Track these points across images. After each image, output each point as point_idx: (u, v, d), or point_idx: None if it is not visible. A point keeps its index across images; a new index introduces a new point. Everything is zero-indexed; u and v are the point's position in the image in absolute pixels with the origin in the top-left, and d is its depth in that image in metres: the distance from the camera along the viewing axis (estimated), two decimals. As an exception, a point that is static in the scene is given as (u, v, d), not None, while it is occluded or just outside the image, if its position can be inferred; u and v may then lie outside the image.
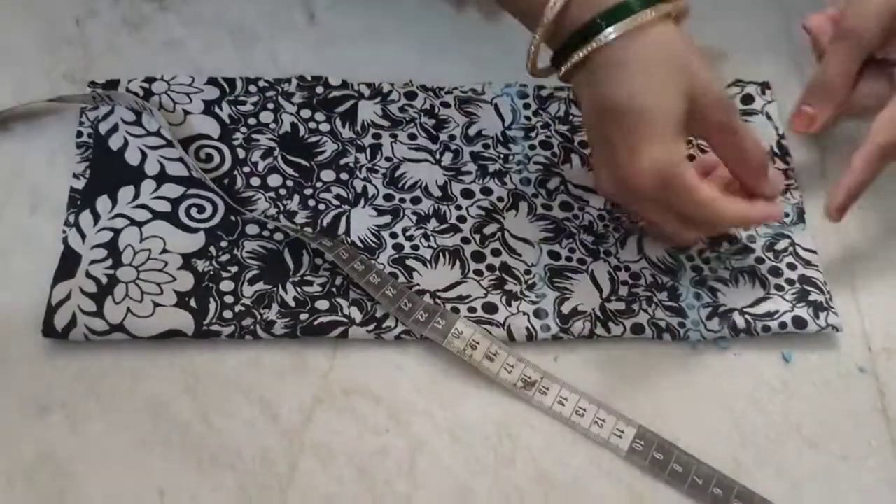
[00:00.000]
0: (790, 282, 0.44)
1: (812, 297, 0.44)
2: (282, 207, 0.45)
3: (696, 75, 0.39)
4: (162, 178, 0.45)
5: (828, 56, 0.45)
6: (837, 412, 0.42)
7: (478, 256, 0.44)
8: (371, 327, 0.42)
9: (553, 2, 0.39)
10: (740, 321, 0.43)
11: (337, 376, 0.42)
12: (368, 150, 0.47)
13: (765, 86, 0.51)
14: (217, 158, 0.46)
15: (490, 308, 0.43)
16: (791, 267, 0.45)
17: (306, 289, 0.43)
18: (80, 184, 0.45)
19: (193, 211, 0.44)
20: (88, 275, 0.42)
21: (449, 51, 0.53)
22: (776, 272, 0.45)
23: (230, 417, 0.41)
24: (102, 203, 0.44)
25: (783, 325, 0.43)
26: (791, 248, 0.46)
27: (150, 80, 0.48)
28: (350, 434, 0.41)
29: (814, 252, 0.46)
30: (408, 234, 0.45)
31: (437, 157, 0.47)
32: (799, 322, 0.43)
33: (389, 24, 0.53)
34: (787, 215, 0.46)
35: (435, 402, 0.42)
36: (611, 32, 0.38)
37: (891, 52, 0.45)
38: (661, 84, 0.38)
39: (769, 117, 0.49)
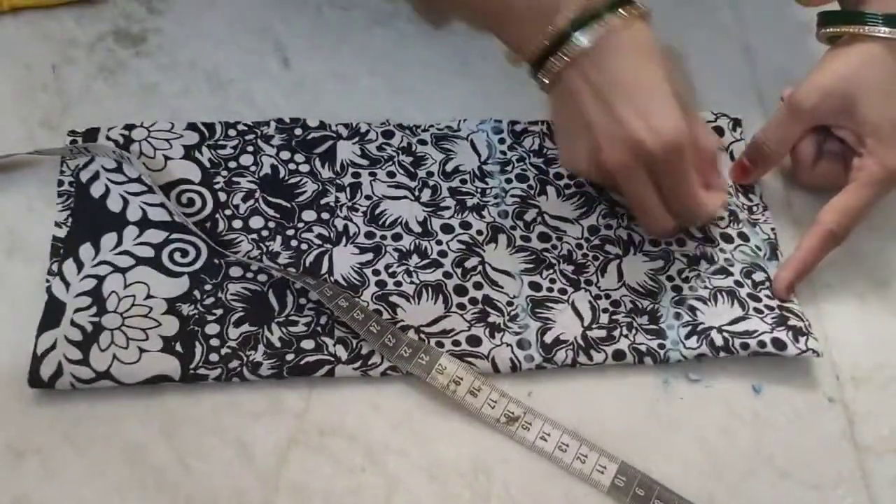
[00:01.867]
0: (769, 308, 0.45)
1: (791, 323, 0.45)
2: (265, 249, 0.45)
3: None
4: (144, 223, 0.45)
5: (770, 121, 0.48)
6: (808, 442, 0.43)
7: (460, 290, 0.45)
8: (357, 364, 0.42)
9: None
10: (718, 339, 0.44)
11: (312, 416, 0.42)
12: (348, 190, 0.48)
13: (737, 122, 0.52)
14: (199, 202, 0.46)
15: (474, 341, 0.43)
16: (769, 297, 0.46)
17: (291, 329, 0.43)
18: (62, 232, 0.45)
19: (177, 255, 0.45)
20: (73, 323, 0.42)
21: (420, 90, 0.54)
22: (755, 298, 0.46)
23: (206, 460, 0.41)
24: (85, 251, 0.44)
25: (762, 344, 0.43)
26: (767, 283, 0.46)
27: (129, 128, 0.48)
28: (326, 474, 0.41)
29: None
30: (390, 270, 0.45)
31: (416, 193, 0.48)
32: (779, 344, 0.44)
33: (360, 67, 0.54)
34: (759, 249, 0.47)
35: (410, 440, 0.42)
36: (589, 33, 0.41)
37: (846, 134, 0.47)
38: (658, 66, 0.42)
39: (733, 157, 0.51)
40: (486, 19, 0.45)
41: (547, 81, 0.43)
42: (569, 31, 0.41)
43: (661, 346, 0.44)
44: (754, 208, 0.49)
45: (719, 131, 0.51)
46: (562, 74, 0.42)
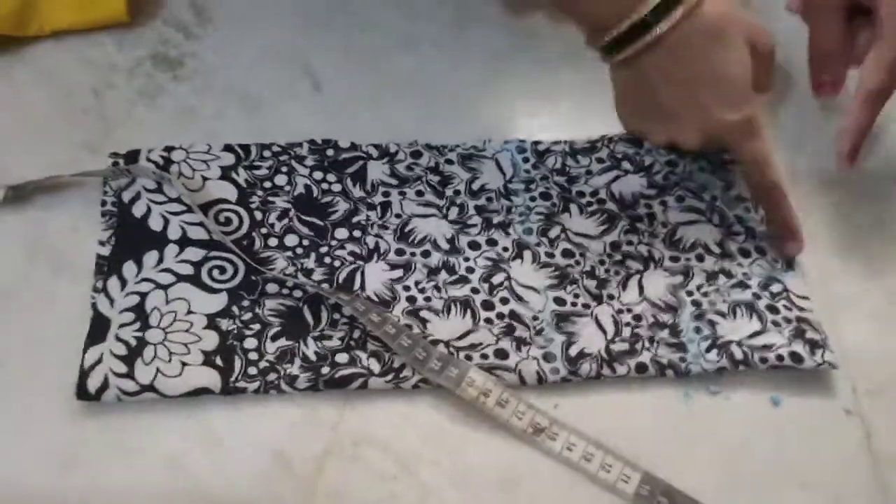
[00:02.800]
0: (787, 320, 0.46)
1: (808, 336, 0.45)
2: (299, 266, 0.47)
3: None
4: (184, 242, 0.47)
5: (811, 31, 0.50)
6: (826, 454, 0.43)
7: (487, 305, 0.46)
8: (389, 377, 0.43)
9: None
10: (738, 352, 0.45)
11: (346, 427, 0.43)
12: (379, 208, 0.49)
13: None
14: (236, 221, 0.48)
15: (501, 354, 0.45)
16: (787, 308, 0.47)
17: (326, 343, 0.44)
18: (105, 250, 0.47)
19: (215, 272, 0.46)
20: (118, 338, 0.44)
21: (446, 112, 0.55)
22: (773, 310, 0.47)
23: (244, 469, 0.42)
24: (128, 268, 0.46)
25: (780, 358, 0.44)
26: (784, 294, 0.47)
27: (169, 149, 0.50)
28: (360, 483, 0.42)
29: (807, 298, 0.47)
30: (420, 286, 0.47)
31: (444, 211, 0.49)
32: (796, 357, 0.44)
33: (388, 90, 0.56)
34: (776, 261, 0.48)
35: (441, 450, 0.43)
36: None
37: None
38: (732, 30, 0.44)
39: None
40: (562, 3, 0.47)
41: (619, 62, 0.45)
42: (649, 20, 0.43)
43: (683, 360, 0.45)
44: None
45: None
46: (638, 59, 0.44)
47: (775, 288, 0.47)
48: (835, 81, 0.50)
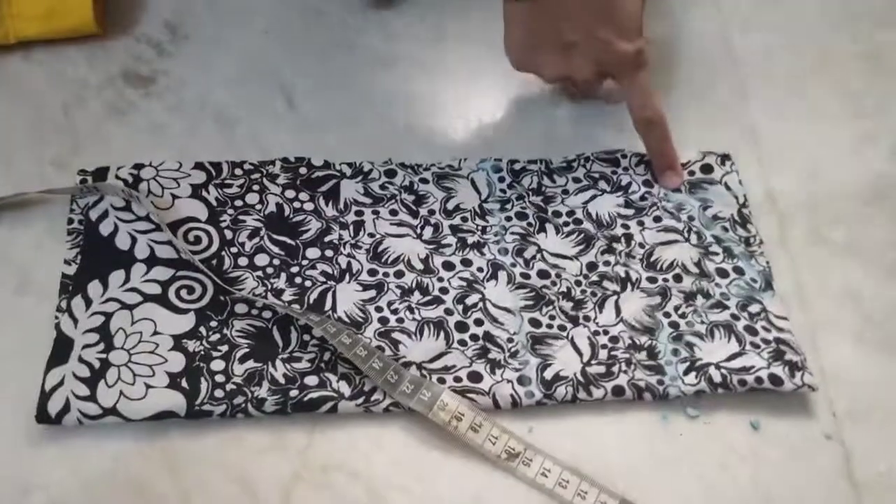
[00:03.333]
0: (766, 341, 0.46)
1: (787, 357, 0.45)
2: (269, 286, 0.46)
3: None
4: (152, 261, 0.46)
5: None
6: (806, 479, 0.43)
7: (461, 326, 0.46)
8: (360, 401, 0.43)
9: None
10: (716, 375, 0.44)
11: (315, 452, 0.43)
12: (352, 227, 0.49)
13: (725, 157, 0.53)
14: (205, 240, 0.47)
15: (475, 377, 0.44)
16: (766, 329, 0.46)
17: (295, 365, 0.44)
18: (71, 269, 0.46)
19: (183, 292, 0.45)
20: (81, 359, 0.43)
21: (421, 130, 0.55)
22: (751, 331, 0.46)
23: (210, 496, 0.41)
24: (94, 288, 0.45)
25: (759, 381, 0.44)
26: (763, 314, 0.47)
27: (138, 167, 0.49)
28: None
29: (785, 318, 0.47)
30: (392, 307, 0.46)
31: (418, 231, 0.49)
32: (775, 380, 0.44)
33: (364, 108, 0.55)
34: (754, 281, 0.48)
35: (412, 476, 0.42)
36: None
37: None
38: None
39: (728, 187, 0.51)
40: None
41: None
42: None
43: (661, 382, 0.44)
44: (751, 240, 0.49)
45: (707, 168, 0.52)
46: None
47: (754, 308, 0.47)
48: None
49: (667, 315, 0.47)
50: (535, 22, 0.48)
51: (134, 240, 0.47)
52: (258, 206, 0.49)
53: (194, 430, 0.43)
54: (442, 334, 0.45)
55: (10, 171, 0.50)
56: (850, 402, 0.45)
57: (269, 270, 0.47)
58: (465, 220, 0.49)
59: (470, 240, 0.49)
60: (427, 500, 0.41)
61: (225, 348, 0.44)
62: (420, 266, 0.48)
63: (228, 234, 0.48)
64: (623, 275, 0.48)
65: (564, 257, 0.48)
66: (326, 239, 0.48)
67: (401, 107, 0.56)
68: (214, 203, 0.49)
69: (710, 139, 0.54)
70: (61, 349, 0.43)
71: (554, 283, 0.47)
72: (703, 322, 0.46)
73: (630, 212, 0.50)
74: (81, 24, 0.55)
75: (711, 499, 0.42)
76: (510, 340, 0.45)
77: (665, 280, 0.48)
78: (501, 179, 0.51)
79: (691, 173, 0.52)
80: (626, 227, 0.50)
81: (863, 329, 0.48)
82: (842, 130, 0.55)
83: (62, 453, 0.42)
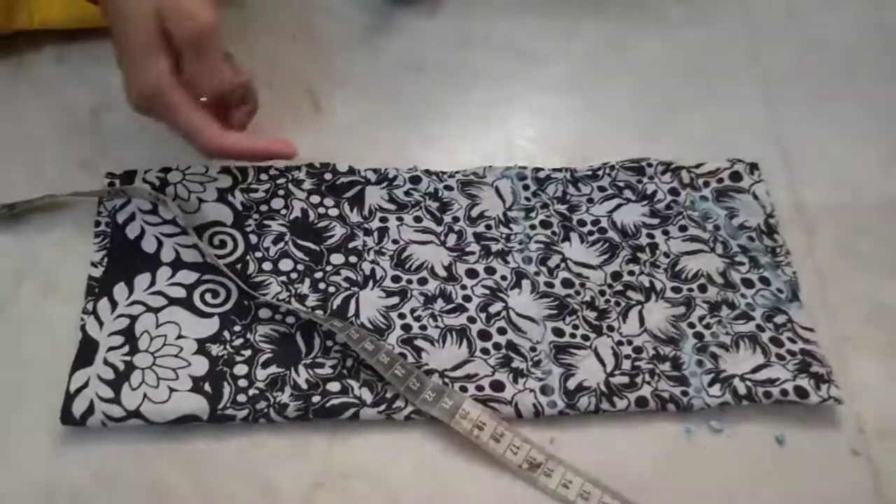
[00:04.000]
0: (791, 353, 0.46)
1: (813, 369, 0.45)
2: (293, 291, 0.46)
3: None
4: (177, 264, 0.47)
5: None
6: (832, 495, 0.43)
7: (484, 335, 0.46)
8: (382, 408, 0.43)
9: None
10: (741, 387, 0.44)
11: (336, 459, 0.43)
12: (376, 234, 0.49)
13: (753, 166, 0.52)
14: (230, 244, 0.48)
15: (497, 386, 0.44)
16: (791, 341, 0.46)
17: (318, 371, 0.44)
18: (97, 272, 0.46)
19: (208, 296, 0.46)
20: (106, 362, 0.43)
21: (446, 137, 0.55)
22: (777, 342, 0.46)
23: (231, 501, 0.42)
24: (119, 290, 0.46)
25: (784, 393, 0.44)
26: (789, 325, 0.47)
27: (165, 171, 0.50)
28: None
29: (811, 330, 0.46)
30: (415, 314, 0.46)
31: (442, 238, 0.49)
32: (801, 392, 0.44)
33: (390, 112, 0.56)
34: (780, 291, 0.48)
35: (432, 484, 0.42)
36: None
37: None
38: (133, 5, 0.41)
39: (755, 196, 0.51)
40: None
41: None
42: None
43: (685, 394, 0.44)
44: (777, 250, 0.49)
45: (736, 176, 0.52)
46: None
47: (779, 319, 0.47)
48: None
49: (691, 325, 0.46)
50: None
51: (160, 243, 0.47)
52: (283, 211, 0.49)
53: (216, 435, 0.43)
54: (465, 342, 0.45)
55: (37, 173, 0.51)
56: (879, 418, 0.45)
57: (294, 276, 0.47)
58: (489, 227, 0.50)
59: (494, 248, 0.49)
60: None
61: (248, 353, 0.44)
62: (443, 273, 0.48)
63: (253, 239, 0.48)
64: (647, 284, 0.48)
65: (589, 266, 0.48)
66: (350, 245, 0.48)
67: (426, 112, 0.56)
68: (240, 207, 0.49)
69: (738, 148, 0.54)
70: (86, 351, 0.43)
71: (578, 293, 0.47)
72: (727, 333, 0.46)
73: (655, 221, 0.50)
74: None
75: None
76: (533, 349, 0.45)
77: (690, 290, 0.48)
78: (526, 188, 0.51)
79: (720, 181, 0.52)
80: (651, 236, 0.49)
81: (891, 343, 0.47)
82: (871, 142, 0.55)
83: (85, 456, 0.42)
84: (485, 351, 0.45)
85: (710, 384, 0.44)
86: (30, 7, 0.55)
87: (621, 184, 0.51)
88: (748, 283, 0.48)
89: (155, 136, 0.53)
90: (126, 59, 0.42)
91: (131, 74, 0.42)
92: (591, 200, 0.51)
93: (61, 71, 0.56)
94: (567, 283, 0.48)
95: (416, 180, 0.51)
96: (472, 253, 0.49)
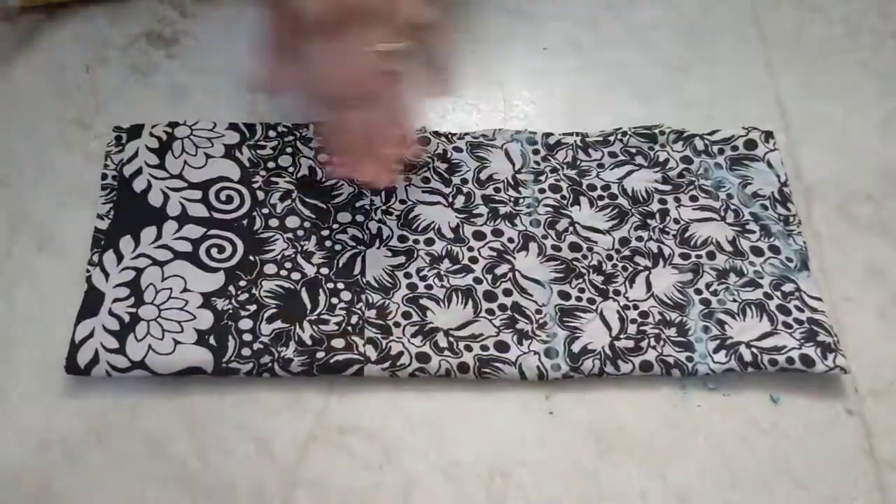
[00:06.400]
0: (798, 321, 0.49)
1: (820, 338, 0.48)
2: (299, 248, 0.50)
3: None
4: (184, 219, 0.50)
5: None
6: (825, 454, 0.46)
7: (490, 296, 0.49)
8: (386, 365, 0.46)
9: None
10: (747, 354, 0.47)
11: (332, 414, 0.46)
12: (383, 193, 0.52)
13: (769, 134, 0.56)
14: (237, 200, 0.51)
15: (502, 346, 0.47)
16: (799, 310, 0.49)
17: (323, 327, 0.47)
18: (103, 224, 0.50)
19: (214, 251, 0.49)
20: (111, 313, 0.46)
21: (445, 99, 0.59)
22: (784, 310, 0.49)
23: (226, 454, 0.45)
24: (125, 243, 0.49)
25: (790, 361, 0.47)
26: (797, 294, 0.50)
27: (173, 125, 0.53)
28: (344, 471, 0.45)
29: (819, 300, 0.50)
30: (421, 274, 0.50)
31: (450, 199, 0.53)
32: (807, 360, 0.47)
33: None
34: (790, 260, 0.51)
35: (428, 440, 0.46)
36: None
37: None
38: None
39: (770, 165, 0.54)
40: None
41: None
42: None
43: (690, 359, 0.47)
44: (790, 219, 0.52)
45: (751, 144, 0.55)
46: None
47: (787, 288, 0.50)
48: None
49: (698, 292, 0.50)
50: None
51: (167, 197, 0.51)
52: (291, 169, 0.53)
53: (212, 389, 0.46)
54: (470, 303, 0.49)
55: (32, 130, 0.55)
56: (873, 379, 0.48)
57: (300, 233, 0.50)
58: (497, 190, 0.53)
59: (502, 210, 0.52)
60: (442, 464, 0.45)
61: (253, 308, 0.47)
62: (450, 234, 0.51)
63: (260, 195, 0.51)
64: (656, 250, 0.51)
65: (597, 231, 0.52)
66: (358, 204, 0.52)
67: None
68: (247, 164, 0.52)
69: (738, 114, 0.58)
70: (92, 302, 0.47)
71: (585, 257, 0.51)
72: (735, 300, 0.49)
73: (668, 188, 0.53)
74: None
75: (730, 471, 0.45)
76: (538, 312, 0.49)
77: (698, 257, 0.51)
78: (536, 152, 0.55)
79: (734, 148, 0.55)
80: (663, 202, 0.53)
81: (886, 305, 0.51)
82: (870, 108, 0.59)
83: (80, 408, 0.46)
84: (490, 312, 0.48)
85: (716, 350, 0.47)
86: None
87: (633, 150, 0.55)
88: (757, 252, 0.51)
89: (150, 93, 0.57)
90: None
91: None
92: (601, 166, 0.54)
93: (54, 28, 0.59)
94: (575, 247, 0.51)
95: (424, 141, 0.54)
96: (480, 215, 0.52)
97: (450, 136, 0.55)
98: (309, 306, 0.48)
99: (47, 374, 0.46)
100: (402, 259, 0.50)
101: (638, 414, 0.47)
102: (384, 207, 0.52)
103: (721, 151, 0.55)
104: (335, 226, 0.51)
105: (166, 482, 0.44)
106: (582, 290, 0.50)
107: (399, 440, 0.46)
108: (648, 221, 0.53)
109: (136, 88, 0.58)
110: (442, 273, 0.50)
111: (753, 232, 0.52)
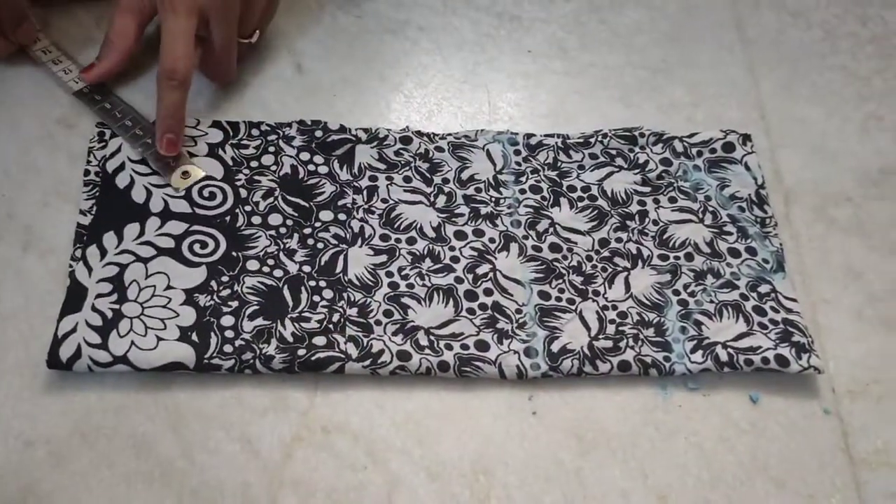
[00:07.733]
0: (774, 322, 0.51)
1: (795, 339, 0.50)
2: (282, 245, 0.52)
3: None
4: (166, 215, 0.52)
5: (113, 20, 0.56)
6: (803, 453, 0.49)
7: (470, 295, 0.51)
8: (367, 363, 0.48)
9: None
10: (723, 354, 0.50)
11: (317, 414, 0.48)
12: (365, 192, 0.55)
13: (746, 137, 0.58)
14: (220, 197, 0.53)
15: (482, 346, 0.50)
16: (774, 310, 0.52)
17: (304, 325, 0.49)
18: (86, 220, 0.52)
19: (196, 247, 0.51)
20: (94, 308, 0.48)
21: (428, 99, 0.61)
22: (760, 311, 0.52)
23: (212, 453, 0.46)
24: (109, 239, 0.51)
25: (765, 361, 0.49)
26: (773, 295, 0.52)
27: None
28: (329, 471, 0.46)
29: (794, 300, 0.52)
30: (403, 272, 0.52)
31: (432, 199, 0.55)
32: (781, 360, 0.49)
33: (371, 74, 0.62)
34: (766, 262, 0.54)
35: (413, 439, 0.48)
36: None
37: None
38: None
39: (748, 167, 0.57)
40: None
41: None
42: None
43: (667, 359, 0.49)
44: (767, 221, 0.55)
45: (729, 147, 0.58)
46: None
47: (763, 289, 0.52)
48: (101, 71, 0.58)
49: (676, 293, 0.52)
50: None
51: (149, 193, 0.52)
52: (273, 167, 0.55)
53: (197, 388, 0.48)
54: (451, 301, 0.51)
55: (16, 131, 0.56)
56: (850, 379, 0.51)
57: (283, 230, 0.52)
58: (478, 190, 0.55)
59: (483, 210, 0.54)
60: (427, 463, 0.47)
61: (235, 304, 0.49)
62: (432, 234, 0.53)
63: (243, 193, 0.53)
64: (634, 251, 0.53)
65: (577, 232, 0.54)
66: (340, 202, 0.54)
67: (408, 74, 0.62)
68: (230, 162, 0.54)
69: (719, 116, 0.61)
70: (75, 297, 0.48)
71: (565, 258, 0.53)
72: (711, 301, 0.52)
73: (646, 189, 0.56)
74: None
75: (710, 470, 0.48)
76: (518, 311, 0.51)
77: (676, 258, 0.53)
78: (517, 153, 0.57)
79: (713, 151, 0.58)
80: (642, 203, 0.55)
81: (864, 306, 0.53)
82: (849, 111, 0.62)
83: (65, 407, 0.47)
84: (471, 311, 0.51)
85: (693, 350, 0.50)
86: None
87: (613, 152, 0.57)
88: (734, 253, 0.54)
89: (135, 93, 0.58)
90: None
91: None
92: (581, 167, 0.57)
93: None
94: (555, 248, 0.53)
95: (406, 141, 0.56)
96: (462, 215, 0.54)
97: (432, 136, 0.58)
98: (291, 303, 0.50)
99: (32, 375, 0.48)
100: (384, 258, 0.53)
101: (620, 414, 0.49)
102: (366, 206, 0.54)
103: (700, 154, 0.58)
104: (317, 224, 0.54)
105: (152, 482, 0.46)
106: (562, 291, 0.52)
107: (384, 440, 0.48)
108: (628, 223, 0.55)
109: (121, 89, 0.60)
110: (423, 272, 0.52)
111: (731, 234, 0.55)
